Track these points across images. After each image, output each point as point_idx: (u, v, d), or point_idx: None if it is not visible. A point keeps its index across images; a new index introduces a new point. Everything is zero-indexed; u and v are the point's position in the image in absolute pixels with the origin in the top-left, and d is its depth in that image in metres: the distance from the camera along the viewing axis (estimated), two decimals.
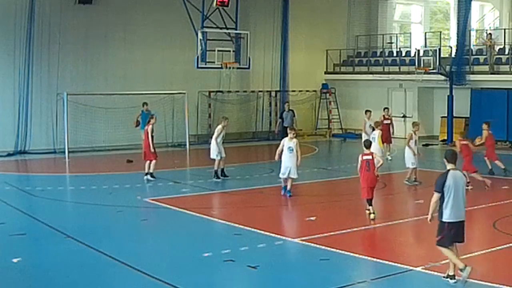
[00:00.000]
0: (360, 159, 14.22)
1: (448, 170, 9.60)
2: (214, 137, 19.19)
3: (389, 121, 24.04)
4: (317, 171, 21.70)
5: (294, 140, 16.46)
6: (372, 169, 14.07)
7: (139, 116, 23.98)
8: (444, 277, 9.68)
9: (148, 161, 18.97)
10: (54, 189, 18.14)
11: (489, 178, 17.95)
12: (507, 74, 26.99)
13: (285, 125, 24.49)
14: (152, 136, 18.95)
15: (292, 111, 25.26)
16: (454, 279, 9.59)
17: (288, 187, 16.58)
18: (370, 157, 14.18)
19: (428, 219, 9.75)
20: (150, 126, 19.02)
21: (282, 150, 16.46)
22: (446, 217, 9.50)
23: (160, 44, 28.75)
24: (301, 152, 16.72)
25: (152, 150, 18.87)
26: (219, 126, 19.37)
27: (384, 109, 23.81)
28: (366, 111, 23.90)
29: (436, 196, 9.53)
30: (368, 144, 14.55)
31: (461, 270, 9.44)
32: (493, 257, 11.16)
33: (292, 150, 16.32)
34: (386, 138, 22.99)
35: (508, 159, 24.61)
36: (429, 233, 13.19)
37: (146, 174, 18.90)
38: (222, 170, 19.39)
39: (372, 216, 13.76)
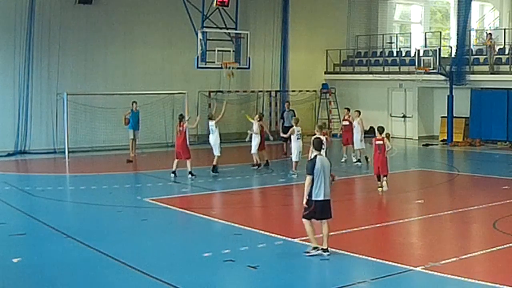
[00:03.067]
0: (373, 143, 17.16)
1: (316, 155, 11.06)
2: (216, 134, 20.18)
3: (347, 122, 23.04)
4: None
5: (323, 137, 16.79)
6: (382, 151, 16.85)
7: (128, 114, 23.97)
8: (319, 250, 10.91)
9: (177, 160, 19.41)
10: (54, 189, 18.14)
11: None
12: (507, 74, 26.98)
13: (286, 125, 24.45)
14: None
15: (293, 110, 25.26)
16: (328, 251, 10.87)
17: None
18: (381, 142, 16.92)
19: (304, 202, 10.94)
20: (185, 126, 19.58)
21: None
22: (314, 196, 10.84)
23: (160, 44, 28.76)
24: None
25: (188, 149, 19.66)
26: (214, 122, 20.38)
27: (344, 109, 23.47)
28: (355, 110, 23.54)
29: (309, 178, 10.84)
30: (381, 130, 17.14)
31: (313, 248, 10.93)
32: (493, 257, 11.15)
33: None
34: (347, 139, 22.69)
35: (508, 159, 24.68)
36: (430, 233, 13.25)
37: (190, 173, 19.32)
38: (214, 166, 20.29)
39: (379, 189, 16.87)
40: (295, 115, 24.77)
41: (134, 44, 28.18)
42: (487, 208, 15.18)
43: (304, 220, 11.03)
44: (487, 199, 16.12)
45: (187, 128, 19.87)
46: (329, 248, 10.94)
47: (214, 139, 20.32)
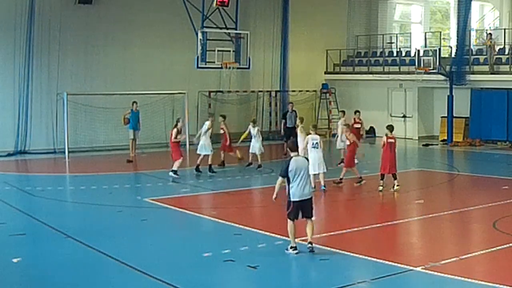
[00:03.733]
0: (384, 140, 17.13)
1: (291, 157, 11.17)
2: (203, 132, 20.35)
3: (359, 125, 23.01)
4: None
5: (317, 136, 16.97)
6: (393, 149, 17.11)
7: (128, 114, 23.93)
8: (308, 248, 11.09)
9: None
10: (54, 189, 18.14)
11: None
12: (507, 74, 26.98)
13: (288, 126, 24.49)
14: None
15: (295, 111, 25.30)
16: (311, 244, 11.11)
17: (322, 183, 16.91)
18: (393, 140, 17.16)
19: (273, 198, 11.35)
20: (174, 130, 19.58)
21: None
22: (292, 197, 11.03)
23: (160, 44, 28.75)
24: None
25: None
26: (208, 122, 20.53)
27: (355, 112, 23.26)
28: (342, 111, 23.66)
29: (280, 180, 11.14)
30: (391, 128, 17.35)
31: (291, 247, 11.09)
32: (493, 257, 11.15)
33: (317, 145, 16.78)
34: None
35: (508, 159, 24.69)
36: (430, 233, 13.25)
37: (173, 171, 19.41)
38: (210, 165, 20.41)
39: (380, 188, 16.91)
40: (297, 116, 24.80)
41: (134, 44, 28.18)
42: (487, 208, 15.18)
43: (288, 220, 11.15)
44: (487, 199, 16.13)
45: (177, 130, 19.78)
46: (313, 243, 11.13)
47: (203, 139, 20.39)
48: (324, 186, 16.99)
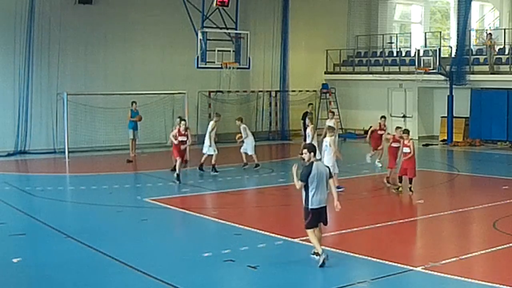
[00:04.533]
0: (412, 145, 16.93)
1: (312, 162, 10.55)
2: (208, 131, 20.56)
3: (383, 132, 21.76)
4: None
5: (328, 138, 16.81)
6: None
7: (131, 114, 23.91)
8: (311, 254, 10.76)
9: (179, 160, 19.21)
10: (54, 189, 18.13)
11: None
12: (507, 74, 27.00)
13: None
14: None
15: (312, 113, 25.30)
16: (319, 255, 10.54)
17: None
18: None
19: (298, 187, 10.58)
20: (176, 129, 19.57)
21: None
22: (310, 204, 10.53)
23: (160, 44, 28.76)
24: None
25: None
26: (212, 122, 20.78)
27: (381, 118, 22.58)
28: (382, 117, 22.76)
29: (301, 184, 10.49)
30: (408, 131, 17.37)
31: (317, 254, 10.60)
32: (493, 257, 11.16)
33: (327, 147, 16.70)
34: (377, 146, 21.87)
35: (508, 159, 24.69)
36: (430, 233, 13.26)
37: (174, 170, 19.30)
38: (214, 165, 20.41)
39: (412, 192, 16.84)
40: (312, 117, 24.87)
41: (134, 44, 28.19)
42: (487, 208, 15.19)
43: (307, 230, 10.68)
44: (487, 199, 16.13)
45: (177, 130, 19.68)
46: (320, 252, 10.65)
47: (207, 138, 20.53)
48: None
